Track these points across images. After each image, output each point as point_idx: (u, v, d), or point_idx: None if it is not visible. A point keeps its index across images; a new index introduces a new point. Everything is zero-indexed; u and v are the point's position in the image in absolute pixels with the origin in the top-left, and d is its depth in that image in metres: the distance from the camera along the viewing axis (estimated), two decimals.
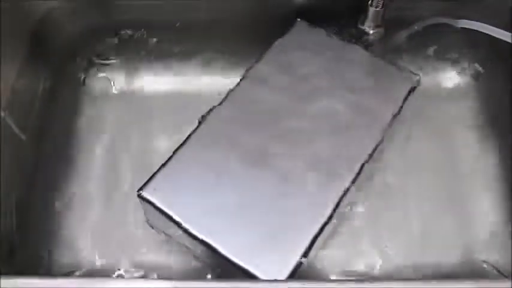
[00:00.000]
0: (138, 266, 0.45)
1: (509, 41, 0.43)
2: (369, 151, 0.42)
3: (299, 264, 0.37)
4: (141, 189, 0.40)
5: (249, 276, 0.37)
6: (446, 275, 0.44)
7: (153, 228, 0.45)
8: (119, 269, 0.45)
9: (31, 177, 0.46)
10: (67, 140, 0.50)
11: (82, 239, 0.46)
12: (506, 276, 0.44)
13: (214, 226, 0.39)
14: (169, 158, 0.41)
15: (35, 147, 0.47)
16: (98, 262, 0.45)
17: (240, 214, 0.39)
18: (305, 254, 0.38)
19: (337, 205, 0.40)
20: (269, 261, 0.37)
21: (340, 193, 0.40)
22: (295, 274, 0.37)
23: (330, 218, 0.40)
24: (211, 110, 0.44)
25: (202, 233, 0.38)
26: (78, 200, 0.48)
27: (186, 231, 0.39)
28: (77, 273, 0.45)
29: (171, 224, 0.39)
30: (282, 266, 0.37)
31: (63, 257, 0.45)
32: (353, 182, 0.41)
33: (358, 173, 0.42)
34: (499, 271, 0.45)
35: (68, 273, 0.44)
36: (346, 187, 0.41)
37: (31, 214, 0.45)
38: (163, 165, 0.41)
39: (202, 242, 0.38)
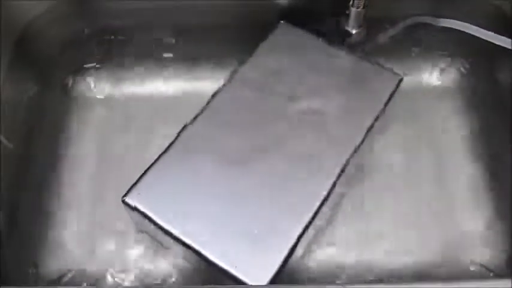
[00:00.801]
0: (127, 269, 0.45)
1: (488, 39, 0.43)
2: (352, 152, 0.42)
3: (283, 267, 0.38)
4: (125, 195, 0.40)
5: (232, 279, 0.37)
6: (434, 275, 0.45)
7: (142, 231, 0.45)
8: (109, 273, 0.45)
9: (19, 185, 0.47)
10: (54, 146, 0.50)
11: (71, 243, 0.46)
12: (493, 272, 0.45)
13: (199, 230, 0.39)
14: (153, 163, 0.42)
15: (22, 155, 0.47)
16: (88, 266, 0.46)
17: (224, 217, 0.39)
18: (289, 256, 0.38)
19: (320, 206, 0.40)
20: (252, 263, 0.38)
21: (323, 194, 0.41)
22: (280, 276, 0.38)
23: (313, 219, 0.40)
24: (196, 115, 0.44)
25: (186, 236, 0.39)
26: (66, 205, 0.48)
27: (171, 235, 0.39)
28: (67, 276, 0.45)
29: (157, 229, 0.40)
30: (265, 268, 0.37)
31: (53, 262, 0.46)
32: (336, 183, 0.41)
33: (341, 174, 0.42)
34: (488, 269, 0.45)
35: (58, 278, 0.45)
36: (329, 188, 0.41)
37: (20, 221, 0.46)
38: (147, 170, 0.41)
39: (187, 246, 0.39)
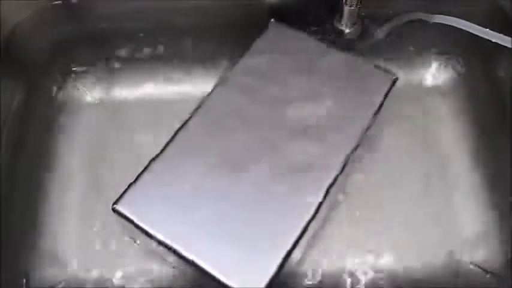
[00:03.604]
0: (120, 279, 0.45)
1: (484, 36, 0.42)
2: (347, 154, 0.42)
3: (277, 275, 0.37)
4: (115, 203, 0.40)
5: None
6: (433, 277, 0.44)
7: (133, 240, 0.44)
8: (103, 281, 0.45)
9: (8, 193, 0.46)
10: (44, 153, 0.50)
11: (63, 251, 0.46)
12: (492, 273, 0.44)
13: (190, 238, 0.38)
14: (144, 170, 0.41)
15: (11, 163, 0.47)
16: (81, 274, 0.45)
17: (216, 225, 0.39)
18: (283, 263, 0.37)
19: (316, 211, 0.40)
20: (246, 272, 0.37)
21: (319, 199, 0.40)
22: (275, 284, 0.37)
23: (309, 224, 0.39)
24: (187, 119, 0.43)
25: (178, 245, 0.38)
26: (57, 213, 0.47)
27: (162, 244, 0.38)
28: (59, 286, 0.45)
29: (148, 237, 0.39)
30: (259, 276, 0.37)
31: (44, 272, 0.45)
32: (332, 186, 0.41)
33: (337, 176, 0.41)
34: (486, 271, 0.44)
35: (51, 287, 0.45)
36: (325, 192, 0.40)
37: (10, 230, 0.45)
38: (137, 178, 0.40)
39: (179, 255, 0.38)
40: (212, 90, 0.45)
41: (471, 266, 0.45)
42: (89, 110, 0.52)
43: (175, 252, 0.38)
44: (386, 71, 0.45)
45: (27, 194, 0.48)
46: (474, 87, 0.51)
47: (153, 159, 0.41)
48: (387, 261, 0.45)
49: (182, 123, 0.43)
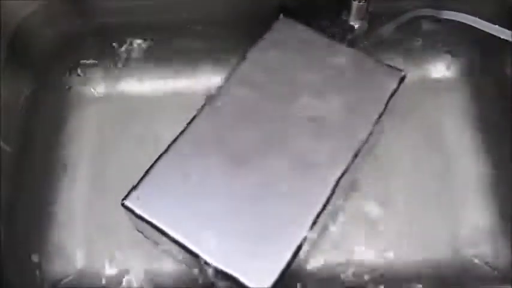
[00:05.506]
0: (127, 273, 0.45)
1: (491, 32, 0.42)
2: (355, 151, 0.42)
3: (286, 270, 0.37)
4: (124, 198, 0.40)
5: (234, 283, 0.37)
6: (436, 271, 0.44)
7: (142, 234, 0.44)
8: (109, 277, 0.45)
9: (18, 186, 0.46)
10: (52, 146, 0.50)
11: (71, 246, 0.46)
12: (497, 270, 0.44)
13: (200, 233, 0.38)
14: (153, 165, 0.41)
15: (20, 157, 0.47)
16: (88, 269, 0.45)
17: (225, 220, 0.39)
18: (292, 259, 0.38)
19: (324, 207, 0.40)
20: (255, 267, 0.37)
21: (327, 195, 0.40)
22: (283, 279, 0.37)
23: (317, 220, 0.39)
24: (195, 114, 0.43)
25: (187, 240, 0.38)
26: (65, 206, 0.47)
27: (171, 239, 0.38)
28: (68, 279, 0.45)
29: (157, 232, 0.39)
30: (268, 271, 0.37)
31: (52, 265, 0.45)
32: (339, 183, 0.41)
33: (344, 173, 0.41)
34: (489, 265, 0.45)
35: (58, 281, 0.45)
36: (332, 189, 0.40)
37: (18, 224, 0.45)
38: (147, 172, 0.41)
39: (188, 250, 0.38)
40: (220, 85, 0.45)
41: (476, 261, 0.45)
42: (97, 104, 0.52)
43: (184, 247, 0.38)
44: (394, 67, 0.45)
45: (35, 189, 0.48)
46: (481, 84, 0.51)
47: (162, 154, 0.42)
48: (392, 257, 0.45)
49: (191, 118, 0.43)
